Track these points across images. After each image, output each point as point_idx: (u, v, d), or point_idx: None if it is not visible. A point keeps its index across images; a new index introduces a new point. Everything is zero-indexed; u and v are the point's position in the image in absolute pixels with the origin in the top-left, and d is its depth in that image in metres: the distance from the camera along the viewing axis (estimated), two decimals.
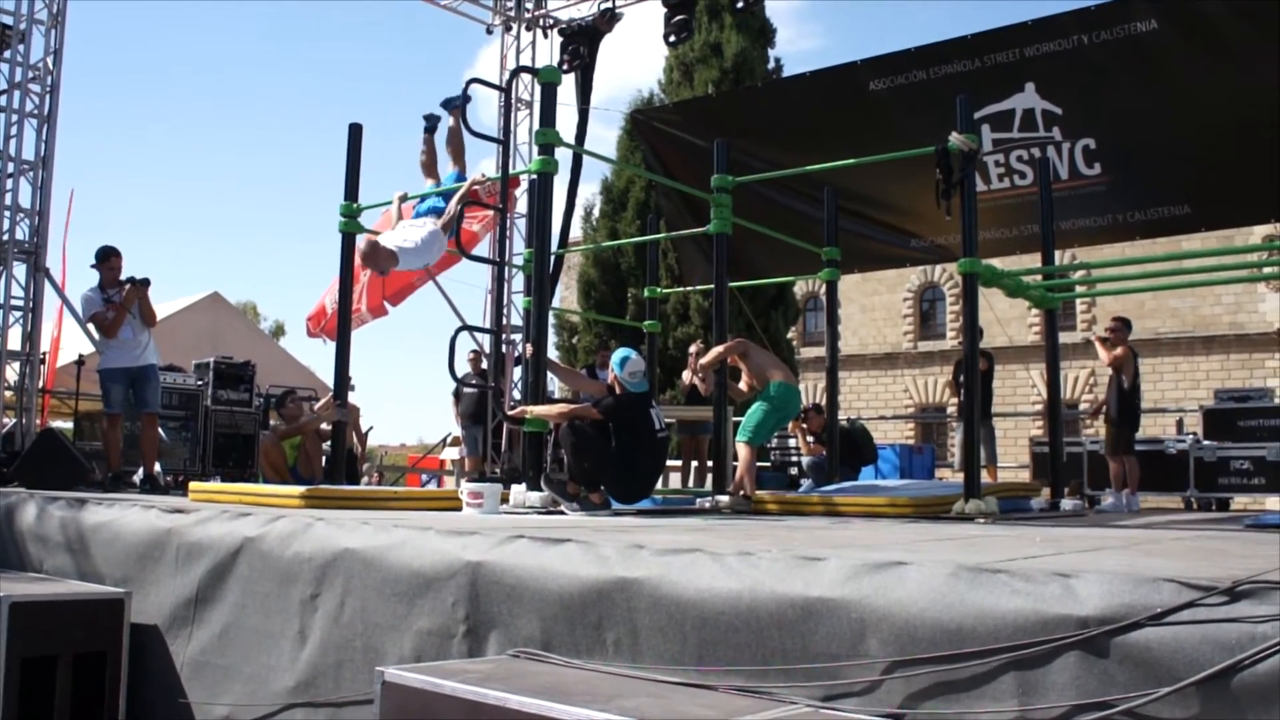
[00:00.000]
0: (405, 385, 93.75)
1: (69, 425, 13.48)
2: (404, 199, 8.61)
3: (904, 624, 2.84)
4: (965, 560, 3.02)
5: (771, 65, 21.67)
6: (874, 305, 38.17)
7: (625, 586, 3.45)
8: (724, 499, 7.86)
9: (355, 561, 4.32)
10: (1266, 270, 15.97)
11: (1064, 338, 11.32)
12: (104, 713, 5.15)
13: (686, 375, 11.97)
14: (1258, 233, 21.87)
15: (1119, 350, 10.68)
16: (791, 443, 14.68)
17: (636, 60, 51.40)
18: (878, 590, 2.94)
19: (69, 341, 13.16)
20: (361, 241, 8.11)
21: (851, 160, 8.85)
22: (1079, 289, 16.95)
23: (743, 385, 8.56)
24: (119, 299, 9.11)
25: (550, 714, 2.82)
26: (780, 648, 3.05)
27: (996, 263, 9.52)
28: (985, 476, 9.78)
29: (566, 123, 10.39)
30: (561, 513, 6.76)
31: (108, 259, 9.31)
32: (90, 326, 9.40)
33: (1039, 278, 9.70)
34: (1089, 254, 13.36)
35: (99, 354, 9.43)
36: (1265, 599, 2.45)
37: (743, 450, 8.07)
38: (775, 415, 8.37)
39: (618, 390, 7.18)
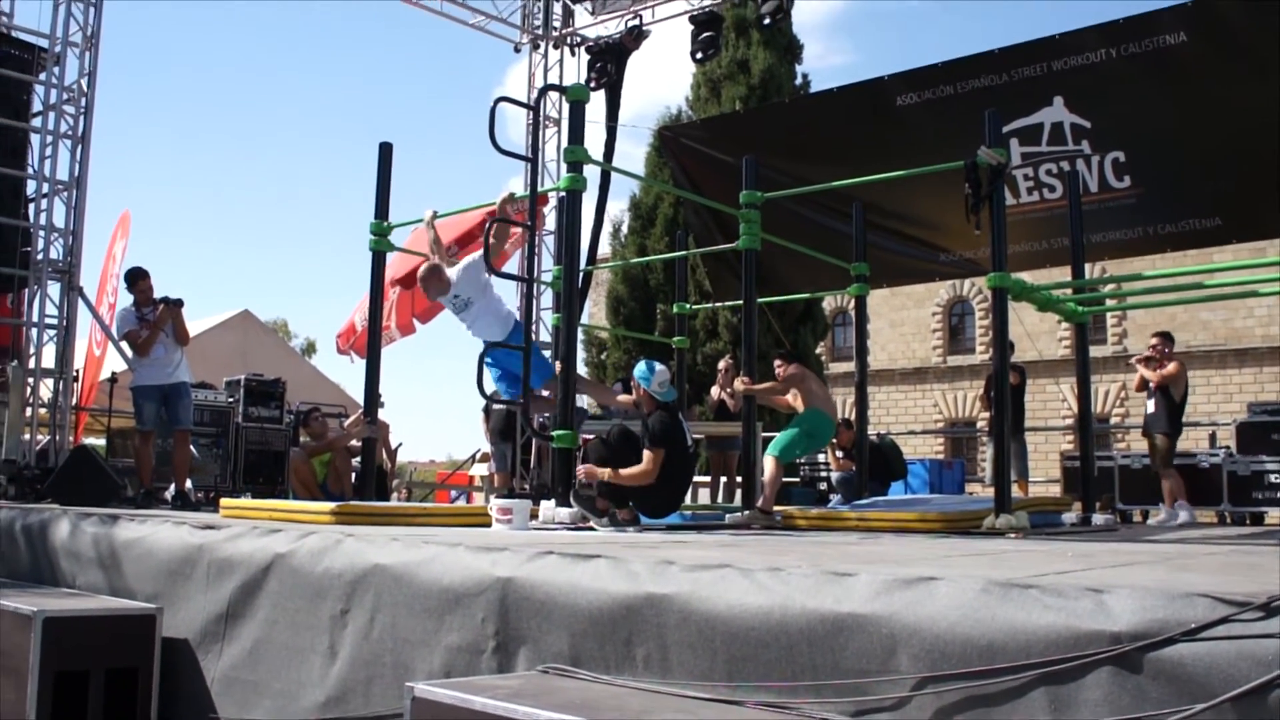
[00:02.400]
0: (434, 402, 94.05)
1: (102, 442, 13.60)
2: (435, 217, 8.66)
3: (934, 640, 2.83)
4: (996, 575, 3.00)
5: (799, 81, 21.66)
6: (903, 320, 38.05)
7: (655, 602, 3.45)
8: (752, 514, 7.84)
9: (385, 577, 4.33)
10: None
11: (1094, 351, 11.23)
12: None
13: (715, 390, 11.97)
14: None
15: (1170, 367, 10.62)
16: (821, 458, 14.63)
17: (665, 77, 51.58)
18: (908, 606, 2.92)
19: (111, 360, 13.25)
20: (424, 267, 8.15)
21: (880, 175, 8.84)
22: (1109, 302, 16.86)
23: (788, 397, 8.59)
24: (153, 317, 9.20)
25: None
26: (810, 664, 3.04)
27: (1026, 276, 9.47)
28: (1016, 491, 9.73)
29: (595, 140, 10.43)
30: (591, 529, 6.76)
31: (137, 282, 9.45)
32: (124, 344, 9.50)
33: (1069, 291, 9.65)
34: (1119, 267, 13.24)
35: (132, 371, 9.53)
36: None
37: (770, 464, 8.07)
38: (805, 440, 8.45)
39: (645, 406, 7.17)
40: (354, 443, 10.23)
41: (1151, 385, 10.75)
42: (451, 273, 7.96)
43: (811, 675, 3.02)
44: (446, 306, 8.25)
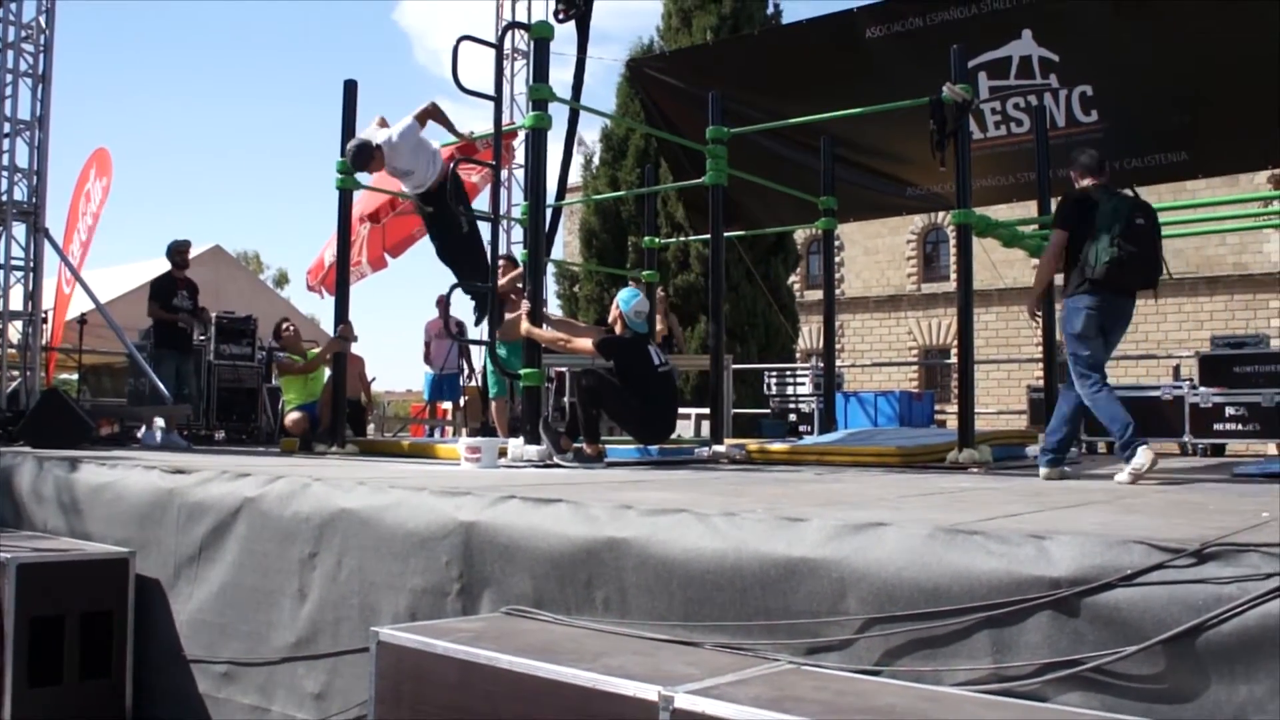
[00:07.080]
0: (408, 333, 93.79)
1: (74, 378, 13.57)
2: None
3: (882, 584, 2.91)
4: (944, 520, 3.09)
5: (771, 11, 21.49)
6: (877, 248, 38.12)
7: (614, 546, 3.53)
8: (721, 448, 7.91)
9: (352, 521, 4.40)
10: (1274, 220, 15.90)
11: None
12: (111, 669, 5.26)
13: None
14: (1261, 176, 21.74)
15: None
16: (790, 390, 14.80)
17: (637, 5, 50.98)
18: (857, 551, 3.01)
19: (78, 299, 13.14)
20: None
21: (847, 111, 8.82)
22: None
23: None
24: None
25: (538, 673, 2.90)
26: (763, 606, 3.12)
27: (993, 210, 9.49)
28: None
29: (566, 71, 10.34)
30: (558, 465, 6.83)
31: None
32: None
33: (1035, 227, 9.69)
34: None
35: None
36: (1231, 561, 2.51)
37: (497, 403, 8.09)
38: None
39: (619, 327, 7.24)
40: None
41: None
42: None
43: (764, 617, 3.11)
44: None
